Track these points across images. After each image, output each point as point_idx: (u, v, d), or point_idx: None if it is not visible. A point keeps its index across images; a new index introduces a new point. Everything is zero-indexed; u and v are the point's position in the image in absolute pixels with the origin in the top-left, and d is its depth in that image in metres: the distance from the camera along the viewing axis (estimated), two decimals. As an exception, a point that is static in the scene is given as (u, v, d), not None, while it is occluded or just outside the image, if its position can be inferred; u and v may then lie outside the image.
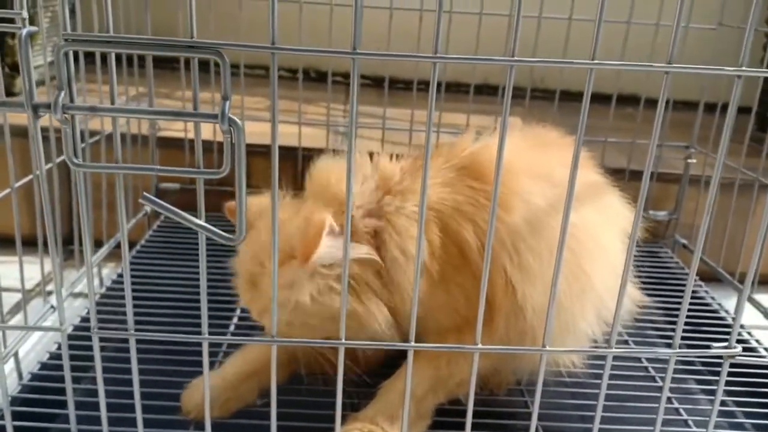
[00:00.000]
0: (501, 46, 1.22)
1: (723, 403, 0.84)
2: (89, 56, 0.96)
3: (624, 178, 1.22)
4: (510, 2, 1.10)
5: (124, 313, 0.56)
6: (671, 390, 0.83)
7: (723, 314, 1.08)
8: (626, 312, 0.81)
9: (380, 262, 0.68)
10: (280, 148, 0.49)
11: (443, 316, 0.71)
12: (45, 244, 0.83)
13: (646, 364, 0.92)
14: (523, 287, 0.68)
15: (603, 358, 0.60)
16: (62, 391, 0.62)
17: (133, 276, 0.66)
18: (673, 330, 0.60)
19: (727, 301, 1.12)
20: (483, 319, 0.56)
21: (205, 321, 0.56)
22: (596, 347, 0.74)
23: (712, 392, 0.74)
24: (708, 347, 0.63)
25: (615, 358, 0.60)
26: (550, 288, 0.56)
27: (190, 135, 1.25)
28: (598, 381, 0.61)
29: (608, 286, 0.72)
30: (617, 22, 1.18)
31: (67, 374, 0.60)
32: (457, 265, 0.69)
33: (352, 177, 0.51)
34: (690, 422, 0.81)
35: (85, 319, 0.92)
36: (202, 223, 0.51)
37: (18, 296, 0.86)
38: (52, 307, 0.88)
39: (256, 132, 0.88)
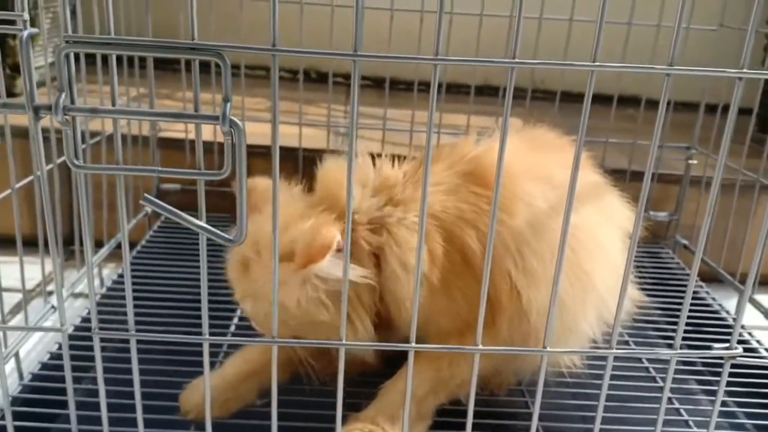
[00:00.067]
0: (502, 47, 1.22)
1: (724, 404, 0.84)
2: (90, 57, 0.96)
3: (625, 178, 1.22)
4: (511, 3, 1.11)
5: (125, 314, 0.56)
6: (672, 390, 0.83)
7: (724, 315, 1.08)
8: (625, 312, 0.81)
9: (376, 286, 0.68)
10: (281, 148, 0.49)
11: (445, 321, 0.71)
12: (46, 244, 0.83)
13: (647, 364, 0.92)
14: (528, 292, 0.68)
15: (604, 358, 0.60)
16: (63, 392, 0.62)
17: (133, 276, 0.66)
18: (674, 330, 0.60)
19: (728, 302, 1.12)
20: (485, 322, 0.57)
21: (205, 322, 0.56)
22: (597, 348, 0.74)
23: (713, 393, 0.74)
24: (709, 348, 0.63)
25: (616, 358, 0.60)
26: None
27: (191, 136, 1.25)
28: (599, 381, 0.61)
29: (609, 286, 0.72)
30: (618, 23, 1.18)
31: (68, 374, 0.60)
32: (459, 271, 0.69)
33: (353, 181, 0.51)
34: (691, 423, 0.81)
35: (86, 320, 0.92)
36: (202, 224, 0.51)
37: (19, 296, 0.86)
38: (52, 307, 0.88)
39: (256, 133, 0.88)
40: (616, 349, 0.60)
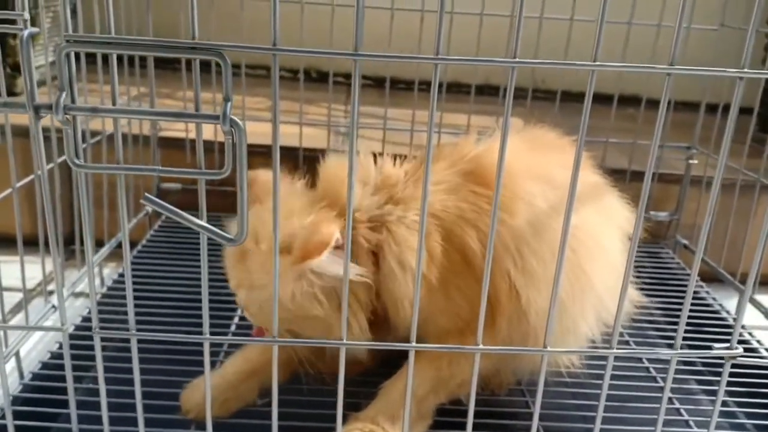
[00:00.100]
0: (502, 46, 1.22)
1: (724, 404, 0.84)
2: (90, 56, 0.96)
3: (625, 178, 1.22)
4: (511, 3, 1.11)
5: (126, 313, 0.56)
6: (672, 390, 0.83)
7: (724, 315, 1.08)
8: (624, 313, 0.81)
9: (372, 284, 0.68)
10: (281, 148, 0.49)
11: (444, 320, 0.71)
12: (46, 243, 0.83)
13: (647, 364, 0.92)
14: (528, 292, 0.68)
15: (604, 358, 0.60)
16: (63, 391, 0.62)
17: (134, 276, 0.66)
18: (675, 330, 0.60)
19: (728, 302, 1.12)
20: (485, 322, 0.57)
21: (206, 321, 0.56)
22: (598, 348, 0.74)
23: (714, 393, 0.74)
24: (709, 348, 0.63)
25: (616, 358, 0.60)
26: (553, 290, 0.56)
27: (191, 135, 1.25)
28: (600, 381, 0.61)
29: (608, 287, 0.72)
30: (619, 22, 1.18)
31: (69, 374, 0.60)
32: (458, 270, 0.69)
33: (354, 182, 0.51)
34: (691, 422, 0.81)
35: (87, 319, 0.92)
36: (203, 223, 0.51)
37: (19, 296, 0.86)
38: (53, 306, 0.88)
39: (257, 132, 0.87)
40: (617, 348, 0.60)
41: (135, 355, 0.58)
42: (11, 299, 0.89)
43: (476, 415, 0.60)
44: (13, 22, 0.67)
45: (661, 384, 0.85)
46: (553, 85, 1.67)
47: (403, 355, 0.72)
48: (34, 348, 0.92)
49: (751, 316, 1.04)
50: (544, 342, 0.58)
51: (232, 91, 0.48)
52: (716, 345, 0.63)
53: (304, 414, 0.74)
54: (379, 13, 1.17)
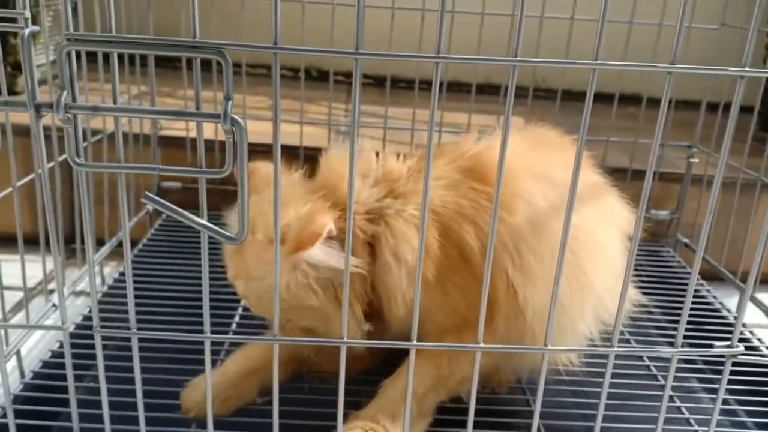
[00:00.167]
0: (503, 45, 1.22)
1: (725, 402, 0.84)
2: (91, 55, 0.96)
3: (626, 177, 1.22)
4: (512, 2, 1.11)
5: (126, 312, 0.56)
6: (673, 389, 0.83)
7: (725, 313, 1.08)
8: (623, 311, 0.82)
9: (365, 274, 0.69)
10: (282, 147, 0.49)
11: (441, 317, 0.71)
12: (47, 242, 0.83)
13: (648, 363, 0.92)
14: (525, 290, 0.68)
15: (605, 356, 0.60)
16: (64, 390, 0.62)
17: (135, 275, 0.66)
18: (675, 329, 0.60)
19: (729, 300, 1.12)
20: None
21: (207, 320, 0.56)
22: (599, 346, 0.74)
23: (715, 391, 0.74)
24: (710, 346, 0.63)
25: (617, 356, 0.60)
26: (551, 289, 0.56)
27: (192, 134, 1.25)
28: (600, 380, 0.61)
29: (607, 286, 0.72)
30: (620, 22, 1.18)
31: (69, 372, 0.60)
32: (456, 267, 0.69)
33: (354, 178, 0.51)
34: (692, 421, 0.81)
35: (87, 318, 0.92)
36: (204, 222, 0.51)
37: (20, 294, 0.86)
38: (54, 305, 0.88)
39: (258, 131, 0.87)
40: (618, 347, 0.60)
41: (136, 353, 0.58)
42: (12, 298, 0.89)
43: (477, 413, 0.60)
44: (14, 20, 0.67)
45: (662, 382, 0.85)
46: (554, 84, 1.67)
47: (402, 354, 0.72)
48: (35, 347, 0.92)
49: (751, 315, 1.05)
50: (545, 340, 0.58)
51: (233, 89, 0.48)
52: (717, 343, 0.63)
53: (304, 412, 0.74)
54: (379, 12, 1.17)
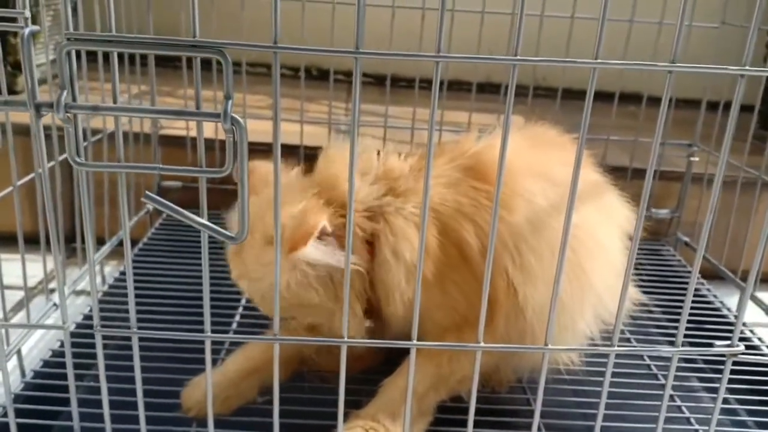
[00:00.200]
0: (503, 44, 1.22)
1: (725, 401, 0.84)
2: (91, 55, 0.96)
3: (626, 176, 1.22)
4: (512, 1, 1.11)
5: (127, 311, 0.56)
6: (674, 387, 0.83)
7: (725, 312, 1.08)
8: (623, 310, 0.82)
9: (363, 272, 0.69)
10: (282, 146, 0.49)
11: (441, 316, 0.71)
12: (47, 241, 0.83)
13: (648, 362, 0.92)
14: (525, 289, 0.68)
15: (605, 356, 0.60)
16: (65, 389, 0.63)
17: (135, 274, 0.66)
18: (676, 328, 0.60)
19: (729, 299, 1.12)
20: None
21: (207, 319, 0.56)
22: (599, 345, 0.74)
23: (715, 390, 0.74)
24: (710, 345, 0.63)
25: (617, 355, 0.60)
26: (551, 288, 0.56)
27: (192, 133, 1.25)
28: (601, 379, 0.61)
29: (608, 285, 0.72)
30: (620, 20, 1.18)
31: (70, 372, 0.61)
32: (455, 265, 0.69)
33: (354, 177, 0.51)
34: (692, 420, 0.81)
35: (88, 317, 0.92)
36: (204, 221, 0.51)
37: (20, 294, 0.86)
38: (54, 304, 0.88)
39: (258, 130, 0.87)
40: (618, 346, 0.60)
41: (136, 353, 0.58)
42: (12, 297, 0.89)
43: (477, 412, 0.60)
44: (13, 20, 0.67)
45: (663, 381, 0.85)
46: (554, 82, 1.67)
47: (402, 353, 0.72)
48: (35, 346, 0.92)
49: (752, 314, 1.04)
50: (546, 339, 0.58)
51: (233, 89, 0.48)
52: (717, 342, 0.63)
53: (305, 412, 0.74)
54: (380, 11, 1.17)
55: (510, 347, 0.70)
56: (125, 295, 0.56)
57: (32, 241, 0.83)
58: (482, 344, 0.57)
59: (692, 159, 1.29)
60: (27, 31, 0.50)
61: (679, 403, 0.84)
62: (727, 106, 0.55)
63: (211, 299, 0.55)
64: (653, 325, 1.04)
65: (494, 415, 0.77)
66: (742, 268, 1.11)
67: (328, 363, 0.80)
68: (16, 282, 0.83)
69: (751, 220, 1.13)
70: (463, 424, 0.61)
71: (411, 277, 0.67)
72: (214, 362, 0.80)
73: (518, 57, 0.49)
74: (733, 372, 0.64)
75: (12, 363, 0.78)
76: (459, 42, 1.04)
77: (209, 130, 1.13)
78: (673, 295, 1.09)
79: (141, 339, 0.58)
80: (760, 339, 1.00)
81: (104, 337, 0.58)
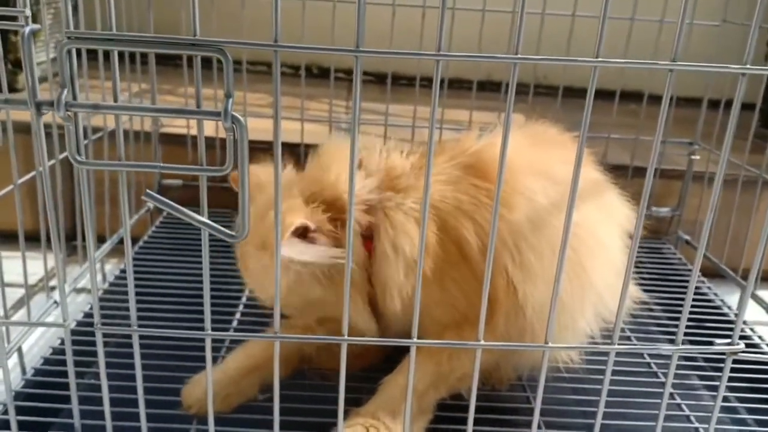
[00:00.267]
0: (504, 42, 1.22)
1: (725, 399, 0.84)
2: (92, 53, 0.96)
3: (627, 174, 1.22)
4: (513, -2, 1.10)
5: (127, 309, 0.56)
6: (674, 386, 0.83)
7: (726, 311, 1.07)
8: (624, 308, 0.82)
9: (363, 267, 0.69)
10: (283, 144, 0.49)
11: (440, 313, 0.71)
12: (48, 239, 0.83)
13: (648, 360, 0.92)
14: (524, 287, 0.68)
15: (606, 354, 0.60)
16: (65, 386, 0.63)
17: (135, 272, 0.66)
18: (676, 326, 0.60)
19: (730, 298, 1.12)
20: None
21: (207, 317, 0.56)
22: (599, 344, 0.74)
23: (715, 388, 0.74)
24: (711, 344, 0.63)
25: (618, 354, 0.60)
26: (551, 286, 0.56)
27: (193, 131, 1.25)
28: (601, 377, 0.61)
29: (607, 283, 0.72)
30: (621, 18, 1.18)
31: (71, 369, 0.61)
32: (454, 262, 0.69)
33: (354, 175, 0.51)
34: (692, 418, 0.81)
35: (88, 315, 0.92)
36: (204, 219, 0.51)
37: (21, 291, 0.86)
38: (55, 302, 0.88)
39: (258, 128, 0.87)
40: (618, 344, 0.60)
41: (137, 350, 0.58)
42: (13, 295, 0.89)
43: (477, 410, 0.60)
44: (14, 18, 0.67)
45: (663, 379, 0.85)
46: (555, 80, 1.66)
47: (402, 351, 0.72)
48: (36, 344, 0.92)
49: (752, 312, 1.05)
50: (546, 338, 0.58)
51: (234, 87, 0.48)
52: (718, 341, 0.63)
53: (305, 409, 0.74)
54: (380, 10, 1.17)
55: (510, 345, 0.70)
56: (126, 293, 0.56)
57: (33, 239, 0.83)
58: (482, 342, 0.57)
59: (693, 157, 1.28)
60: (27, 29, 0.50)
61: (679, 401, 0.84)
62: (729, 104, 0.55)
63: (212, 297, 0.55)
64: (653, 323, 1.04)
65: (494, 413, 0.77)
66: (742, 267, 1.11)
67: (329, 361, 0.80)
68: (17, 280, 0.83)
69: (751, 219, 1.13)
70: (463, 421, 0.61)
71: (410, 272, 0.67)
72: (215, 360, 0.80)
73: (519, 55, 0.49)
74: (733, 370, 0.64)
75: (13, 360, 0.78)
76: (460, 40, 1.04)
77: (210, 128, 1.14)
78: (674, 294, 1.09)
79: (141, 337, 0.58)
80: (760, 337, 1.00)
81: (105, 335, 0.58)
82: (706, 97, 1.24)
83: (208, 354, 0.57)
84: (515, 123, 0.60)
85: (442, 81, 1.15)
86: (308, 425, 0.73)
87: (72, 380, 0.61)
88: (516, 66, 0.49)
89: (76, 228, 1.03)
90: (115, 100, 0.51)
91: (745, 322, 1.02)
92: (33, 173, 0.86)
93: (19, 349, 0.80)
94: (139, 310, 0.57)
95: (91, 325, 0.58)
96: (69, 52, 0.47)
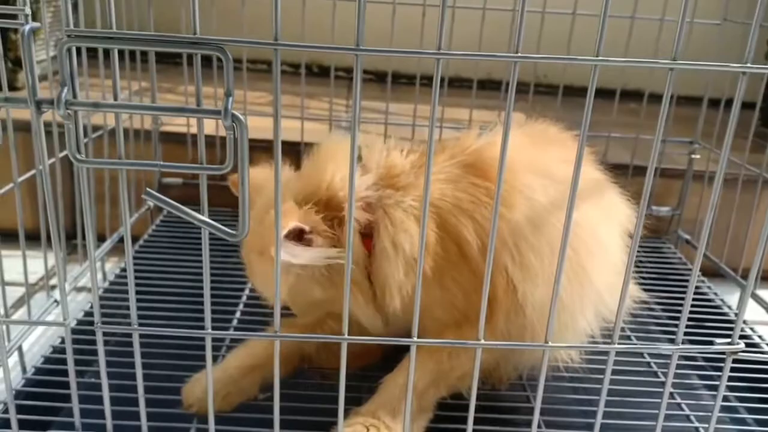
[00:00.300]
0: (504, 41, 1.22)
1: (725, 399, 0.84)
2: (92, 51, 0.96)
3: (627, 173, 1.22)
4: (513, -3, 1.10)
5: (127, 308, 0.56)
6: (674, 385, 0.83)
7: (726, 310, 1.08)
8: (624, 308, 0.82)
9: (361, 263, 0.69)
10: (283, 143, 0.49)
11: (440, 312, 0.71)
12: (48, 238, 0.83)
13: (648, 359, 0.92)
14: (524, 286, 0.68)
15: (605, 353, 0.60)
16: (66, 385, 0.63)
17: (136, 271, 0.66)
18: (676, 326, 0.60)
19: (729, 297, 1.12)
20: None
21: (208, 316, 0.56)
22: (599, 343, 0.74)
23: (715, 388, 0.74)
24: (711, 343, 0.63)
25: (617, 353, 0.60)
26: (551, 285, 0.56)
27: (193, 130, 1.25)
28: (601, 376, 0.61)
29: (607, 282, 0.72)
30: (621, 17, 1.18)
31: (71, 368, 0.61)
32: (454, 261, 0.69)
33: (355, 174, 0.51)
34: (692, 417, 0.81)
35: (89, 314, 0.92)
36: (204, 218, 0.51)
37: (21, 290, 0.86)
38: (55, 301, 0.88)
39: (258, 127, 0.87)
40: (618, 344, 0.60)
41: (137, 349, 0.58)
42: (13, 294, 0.89)
43: (477, 409, 0.60)
44: (14, 16, 0.67)
45: (663, 379, 0.85)
46: (555, 79, 1.66)
47: (402, 350, 0.72)
48: (36, 342, 0.92)
49: (752, 312, 1.05)
50: (546, 337, 0.58)
51: (234, 86, 0.48)
52: (718, 340, 0.63)
53: (305, 408, 0.74)
54: (380, 8, 1.17)
55: (510, 345, 0.70)
56: (126, 292, 0.56)
57: (33, 238, 0.83)
58: (482, 341, 0.57)
59: (693, 156, 1.28)
60: (27, 27, 0.50)
61: (679, 400, 0.84)
62: (729, 103, 0.55)
63: (212, 296, 0.55)
64: (653, 322, 1.04)
65: (494, 412, 0.77)
66: (742, 266, 1.11)
67: (329, 360, 0.80)
68: (17, 278, 0.83)
69: (751, 218, 1.13)
70: (463, 421, 0.61)
71: (410, 270, 0.67)
72: (215, 359, 0.80)
73: (519, 54, 0.49)
74: (733, 370, 0.64)
75: (13, 359, 0.78)
76: (460, 39, 1.04)
77: (210, 127, 1.13)
78: (674, 293, 1.09)
79: (142, 336, 0.58)
80: (760, 337, 1.00)
81: (105, 334, 0.58)
82: (706, 96, 1.24)
83: (209, 353, 0.57)
84: (515, 122, 0.60)
85: (442, 80, 1.15)
86: (308, 424, 0.73)
87: (72, 379, 0.61)
88: (516, 65, 0.49)
89: (76, 227, 1.03)
90: (115, 99, 0.51)
91: (745, 322, 1.02)
92: (33, 172, 0.86)
93: (20, 348, 0.80)
94: (139, 309, 0.57)
95: (92, 324, 0.58)
96: (69, 50, 0.47)
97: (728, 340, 0.62)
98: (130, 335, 0.57)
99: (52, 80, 1.12)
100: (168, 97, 1.42)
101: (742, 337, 0.66)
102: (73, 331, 0.64)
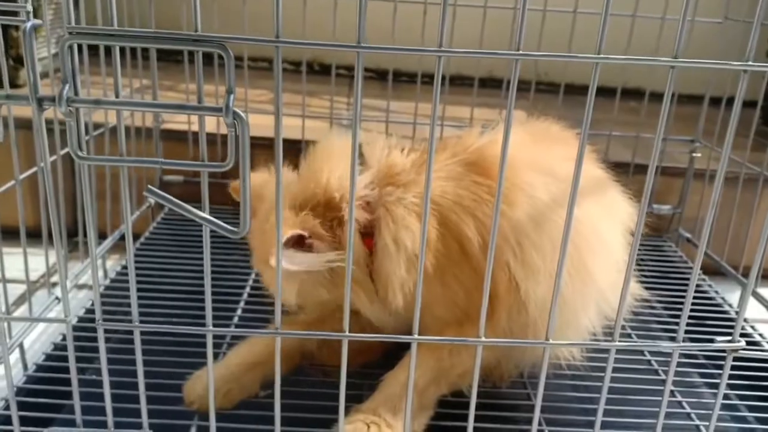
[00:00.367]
0: (506, 39, 1.22)
1: (726, 397, 0.84)
2: (93, 48, 0.96)
3: (628, 172, 1.22)
4: (515, -5, 1.10)
5: (129, 305, 0.56)
6: (674, 383, 0.83)
7: (726, 308, 1.08)
8: (625, 306, 0.82)
9: (362, 262, 0.69)
10: (284, 140, 0.49)
11: (441, 309, 0.71)
12: (49, 235, 0.83)
13: (649, 357, 0.92)
14: (526, 283, 0.68)
15: (606, 351, 0.60)
16: (67, 382, 0.63)
17: (137, 268, 0.66)
18: (677, 324, 0.60)
19: (730, 295, 1.12)
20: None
21: (209, 313, 0.56)
22: (600, 341, 0.75)
23: (716, 386, 0.74)
24: (711, 341, 0.63)
25: (618, 351, 0.60)
26: (553, 282, 0.56)
27: (194, 127, 1.25)
28: (601, 374, 0.61)
29: (609, 280, 0.72)
30: (623, 15, 1.18)
31: (72, 365, 0.61)
32: (455, 259, 0.69)
33: (356, 173, 0.51)
34: (693, 415, 0.81)
35: (90, 311, 0.92)
36: (206, 215, 0.51)
37: (23, 287, 0.86)
38: (56, 298, 0.88)
39: (259, 124, 0.87)
40: (619, 341, 0.60)
41: (138, 346, 0.58)
42: (15, 291, 0.89)
43: (478, 406, 0.60)
44: (15, 13, 0.67)
45: (663, 377, 0.85)
46: (557, 77, 1.66)
47: (403, 347, 0.72)
48: (37, 339, 0.92)
49: (753, 310, 1.04)
50: (547, 334, 0.58)
51: (235, 83, 0.48)
52: (718, 338, 0.63)
53: (306, 405, 0.74)
54: (382, 6, 1.17)
55: (510, 342, 0.70)
56: (127, 289, 0.56)
57: (34, 235, 0.83)
58: (483, 339, 0.58)
59: (694, 155, 1.28)
60: (29, 24, 0.50)
61: (679, 398, 0.84)
62: (730, 101, 0.55)
63: (213, 293, 0.55)
64: (654, 320, 1.04)
65: (495, 410, 0.77)
66: (743, 264, 1.11)
67: (330, 357, 0.80)
68: (19, 276, 0.83)
69: (752, 217, 1.13)
70: (464, 418, 0.61)
71: (411, 267, 0.68)
72: (216, 356, 0.80)
73: (520, 52, 0.49)
74: (733, 368, 0.64)
75: (14, 356, 0.78)
76: (461, 37, 1.04)
77: (211, 124, 1.14)
78: (675, 291, 1.09)
79: (143, 333, 0.58)
80: (761, 335, 1.00)
81: (106, 331, 0.58)
82: (707, 95, 1.24)
83: (210, 350, 0.57)
84: (517, 120, 0.60)
85: (443, 77, 1.15)
86: (309, 421, 0.73)
87: (73, 376, 0.61)
88: (517, 62, 0.49)
89: (77, 224, 1.03)
90: (117, 96, 0.51)
91: (745, 320, 1.02)
92: (34, 169, 0.86)
93: (21, 345, 0.80)
94: (140, 306, 0.57)
95: (93, 321, 0.58)
96: (70, 47, 0.47)
97: (729, 338, 0.62)
98: (131, 332, 0.57)
99: (54, 77, 1.12)
100: (169, 94, 1.42)
101: (742, 335, 0.66)
102: (75, 328, 0.64)
